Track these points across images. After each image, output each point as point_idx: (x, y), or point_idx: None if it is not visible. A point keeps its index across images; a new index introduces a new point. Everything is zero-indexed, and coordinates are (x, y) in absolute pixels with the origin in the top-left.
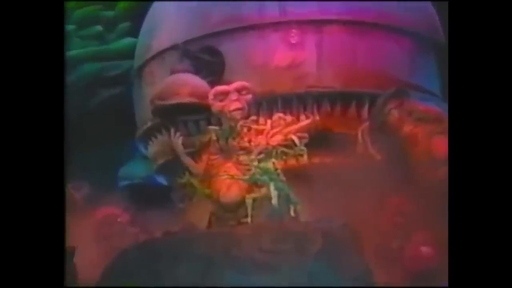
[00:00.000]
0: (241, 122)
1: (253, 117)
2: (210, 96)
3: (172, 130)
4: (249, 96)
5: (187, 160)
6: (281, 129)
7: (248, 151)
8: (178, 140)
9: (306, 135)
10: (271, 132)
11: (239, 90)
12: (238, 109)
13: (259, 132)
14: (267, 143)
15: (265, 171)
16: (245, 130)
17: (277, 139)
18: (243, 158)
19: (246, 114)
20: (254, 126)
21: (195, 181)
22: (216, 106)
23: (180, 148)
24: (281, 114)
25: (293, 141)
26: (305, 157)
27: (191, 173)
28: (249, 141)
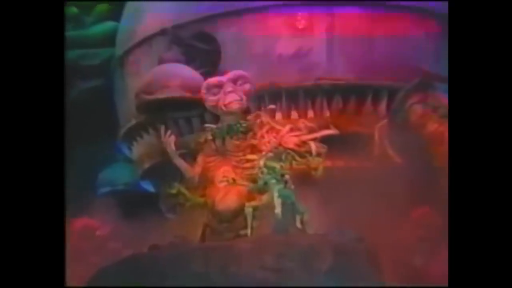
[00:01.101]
0: (264, 116)
1: (272, 106)
2: (202, 90)
3: (163, 129)
4: (247, 86)
5: (181, 163)
6: (300, 134)
7: (252, 151)
8: (170, 140)
9: (324, 146)
10: (287, 135)
11: (234, 80)
12: (235, 100)
13: (274, 131)
14: (279, 144)
15: (270, 170)
16: (258, 121)
17: (292, 141)
18: (244, 158)
19: (244, 107)
20: (272, 123)
21: (186, 191)
22: (209, 101)
23: (172, 149)
24: (306, 121)
25: (309, 148)
26: (320, 170)
27: (181, 181)
28: (261, 137)
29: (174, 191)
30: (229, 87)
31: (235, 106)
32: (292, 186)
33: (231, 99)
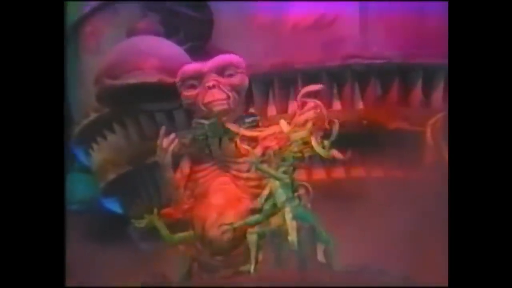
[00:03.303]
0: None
1: (317, 86)
2: (177, 81)
3: (163, 129)
4: (236, 80)
5: (171, 179)
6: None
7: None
8: (170, 148)
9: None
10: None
11: (220, 70)
12: (217, 100)
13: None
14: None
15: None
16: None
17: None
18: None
19: (232, 108)
20: (246, 132)
21: (160, 224)
22: (185, 96)
23: (169, 161)
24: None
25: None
26: (317, 146)
27: (155, 211)
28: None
29: (142, 224)
30: (211, 80)
31: (217, 108)
32: (309, 205)
33: (212, 98)
